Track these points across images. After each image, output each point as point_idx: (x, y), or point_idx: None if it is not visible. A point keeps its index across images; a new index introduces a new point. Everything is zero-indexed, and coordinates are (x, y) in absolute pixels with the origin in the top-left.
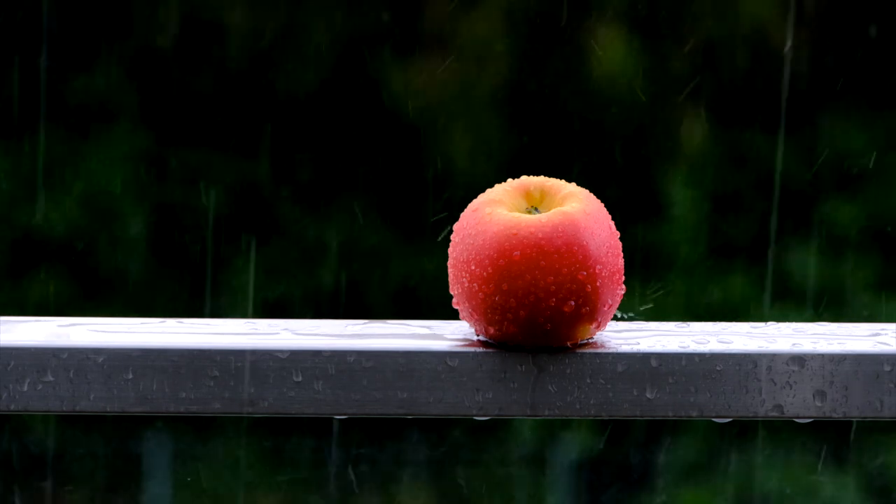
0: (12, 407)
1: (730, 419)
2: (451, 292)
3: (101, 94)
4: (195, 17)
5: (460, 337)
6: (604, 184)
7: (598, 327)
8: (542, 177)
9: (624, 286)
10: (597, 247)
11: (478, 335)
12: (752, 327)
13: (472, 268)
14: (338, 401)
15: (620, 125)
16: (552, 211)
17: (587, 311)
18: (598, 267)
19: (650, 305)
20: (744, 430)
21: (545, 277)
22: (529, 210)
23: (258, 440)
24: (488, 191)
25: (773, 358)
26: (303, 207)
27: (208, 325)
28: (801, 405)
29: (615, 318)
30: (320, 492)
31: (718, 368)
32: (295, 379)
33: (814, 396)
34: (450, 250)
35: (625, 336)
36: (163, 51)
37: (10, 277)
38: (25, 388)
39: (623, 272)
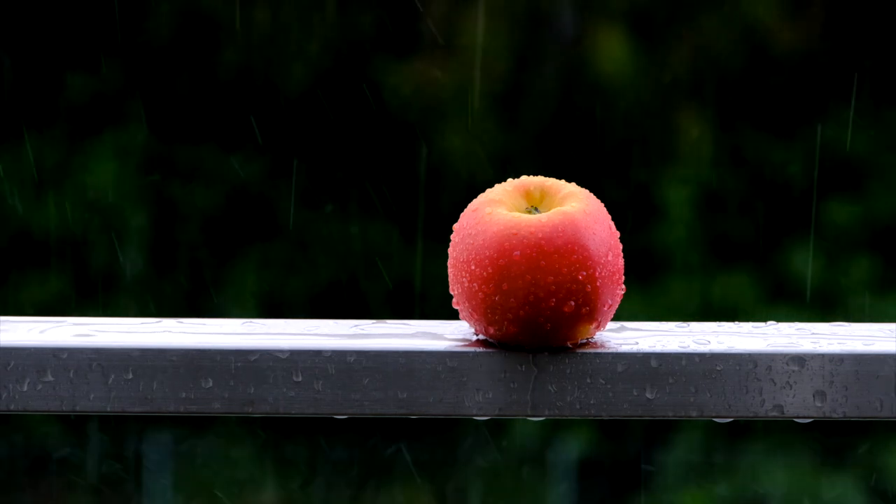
0: (12, 407)
1: (730, 419)
2: (451, 292)
3: (101, 94)
4: (195, 16)
5: (460, 337)
6: (603, 184)
7: (598, 327)
8: (541, 177)
9: (624, 286)
10: (597, 247)
11: (478, 335)
12: (752, 327)
13: (472, 268)
14: (338, 401)
15: (620, 125)
16: (552, 211)
17: (587, 311)
18: (598, 267)
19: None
20: (744, 430)
21: (545, 277)
22: (529, 210)
23: (258, 440)
24: (488, 191)
25: (773, 358)
26: (302, 207)
27: (208, 325)
28: (801, 405)
29: None
30: (320, 491)
31: (718, 368)
32: (295, 379)
33: (814, 396)
34: (450, 250)
35: (625, 336)
36: (163, 50)
37: (10, 277)
38: (25, 388)
39: (623, 272)
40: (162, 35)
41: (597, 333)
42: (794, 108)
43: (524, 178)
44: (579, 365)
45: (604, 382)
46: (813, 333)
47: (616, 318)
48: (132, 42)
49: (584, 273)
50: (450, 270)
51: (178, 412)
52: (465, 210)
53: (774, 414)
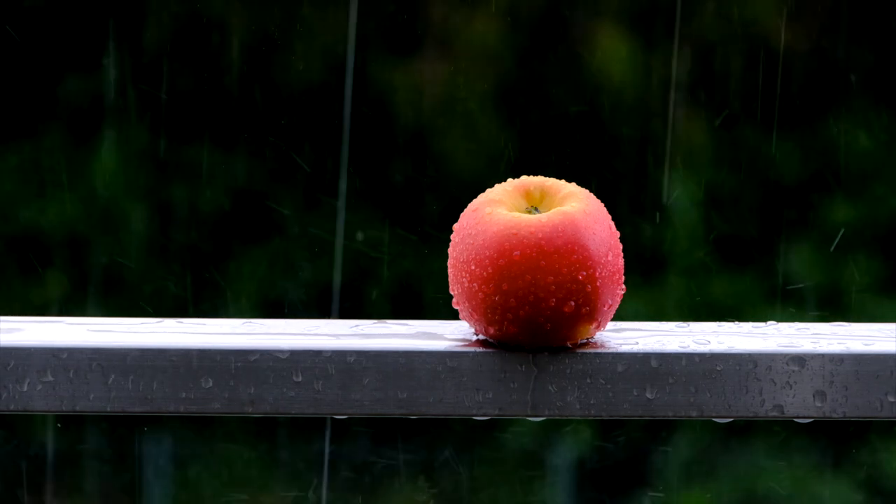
0: (12, 407)
1: (730, 419)
2: (451, 292)
3: (101, 94)
4: (195, 15)
5: (460, 337)
6: (603, 183)
7: (598, 327)
8: (541, 177)
9: (624, 286)
10: (597, 247)
11: (478, 335)
12: (752, 327)
13: (472, 268)
14: (338, 401)
15: (620, 125)
16: (552, 211)
17: (587, 311)
18: (598, 267)
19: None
20: (744, 430)
21: (545, 277)
22: (529, 210)
23: (258, 440)
24: (488, 191)
25: (773, 358)
26: (302, 207)
27: (208, 325)
28: (801, 405)
29: None
30: (319, 491)
31: (718, 368)
32: (295, 379)
33: (814, 396)
34: (450, 250)
35: (625, 336)
36: (163, 50)
37: (10, 277)
38: (25, 388)
39: (623, 272)
40: (162, 34)
41: (597, 333)
42: (794, 108)
43: (524, 178)
44: (579, 365)
45: (604, 382)
46: (813, 333)
47: (616, 318)
48: (133, 41)
49: (584, 273)
50: (450, 270)
51: (178, 412)
52: (465, 210)
53: (774, 414)
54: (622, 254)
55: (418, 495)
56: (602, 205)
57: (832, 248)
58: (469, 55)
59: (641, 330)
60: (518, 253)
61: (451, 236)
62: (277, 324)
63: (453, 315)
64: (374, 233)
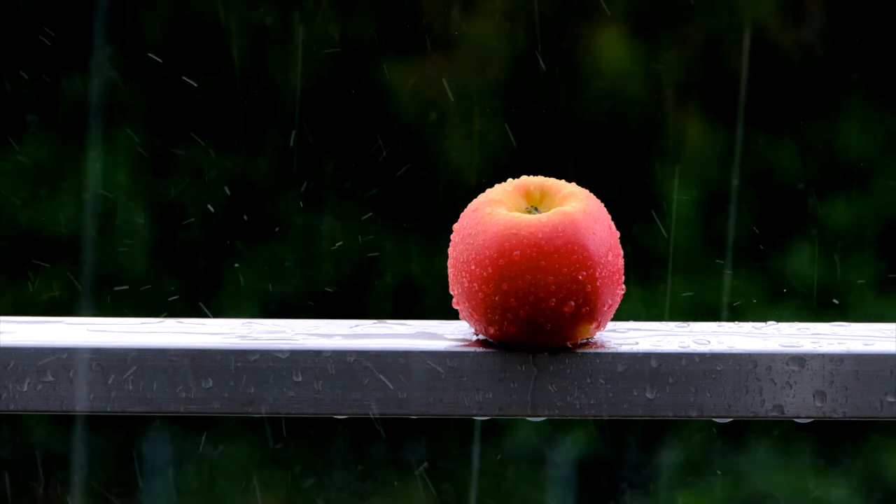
0: (12, 407)
1: (730, 419)
2: (451, 292)
3: (101, 95)
4: (195, 16)
5: (460, 337)
6: (603, 184)
7: (598, 327)
8: (541, 177)
9: (624, 286)
10: (597, 247)
11: (478, 335)
12: (752, 327)
13: (472, 268)
14: (338, 401)
15: (620, 125)
16: (552, 211)
17: (587, 311)
18: (598, 267)
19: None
20: (743, 431)
21: (545, 277)
22: (529, 210)
23: (258, 440)
24: (488, 191)
25: (773, 358)
26: (303, 207)
27: (208, 325)
28: (801, 405)
29: None
30: (320, 492)
31: (718, 368)
32: (295, 379)
33: (814, 396)
34: (450, 250)
35: (625, 336)
36: (162, 51)
37: (10, 277)
38: (25, 388)
39: (623, 272)
40: (162, 34)
41: (597, 333)
42: (794, 108)
43: (524, 178)
44: (579, 365)
45: (604, 382)
46: (813, 333)
47: (616, 318)
48: (133, 42)
49: (584, 273)
50: (450, 270)
51: (178, 412)
52: (465, 210)
53: (774, 414)
54: (622, 254)
55: (417, 495)
56: (602, 205)
57: (832, 249)
58: (469, 55)
59: (641, 330)
60: (518, 253)
61: (451, 236)
62: (277, 324)
63: (453, 315)
64: (373, 232)
